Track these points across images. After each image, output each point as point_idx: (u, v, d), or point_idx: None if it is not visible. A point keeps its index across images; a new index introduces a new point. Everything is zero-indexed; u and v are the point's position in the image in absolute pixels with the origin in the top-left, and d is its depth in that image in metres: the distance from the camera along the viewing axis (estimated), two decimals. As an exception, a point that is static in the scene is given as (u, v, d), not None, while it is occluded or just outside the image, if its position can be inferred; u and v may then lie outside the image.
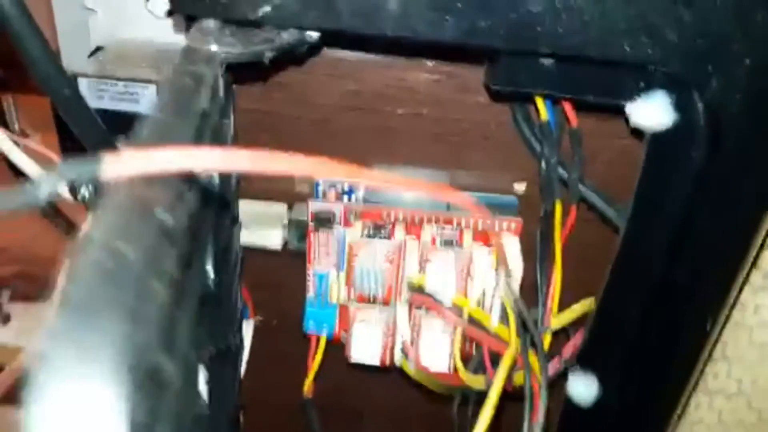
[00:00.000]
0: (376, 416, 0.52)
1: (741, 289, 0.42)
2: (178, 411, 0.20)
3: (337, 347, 0.47)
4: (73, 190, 0.39)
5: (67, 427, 0.12)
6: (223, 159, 0.18)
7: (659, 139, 0.30)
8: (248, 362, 0.47)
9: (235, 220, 0.36)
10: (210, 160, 0.18)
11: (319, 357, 0.44)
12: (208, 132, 0.23)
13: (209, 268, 0.27)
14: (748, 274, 0.42)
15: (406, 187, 0.22)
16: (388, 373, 0.49)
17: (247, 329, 0.46)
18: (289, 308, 0.47)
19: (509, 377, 0.39)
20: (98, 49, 0.39)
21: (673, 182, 0.31)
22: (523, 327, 0.37)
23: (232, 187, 0.35)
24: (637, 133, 0.32)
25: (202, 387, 0.25)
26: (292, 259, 0.44)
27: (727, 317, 0.43)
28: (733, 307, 0.43)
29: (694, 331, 0.35)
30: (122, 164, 0.16)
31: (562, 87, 0.30)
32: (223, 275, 0.32)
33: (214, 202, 0.27)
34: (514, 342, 0.34)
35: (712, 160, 0.30)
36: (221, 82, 0.28)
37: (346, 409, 0.51)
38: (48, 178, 0.16)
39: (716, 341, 0.44)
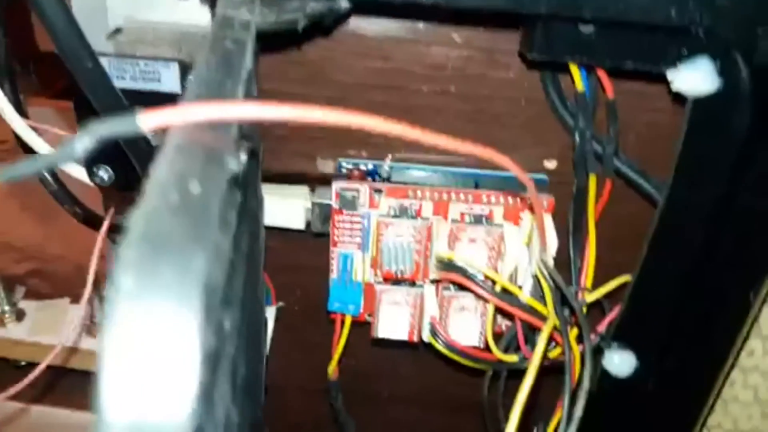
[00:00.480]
0: (402, 398, 0.51)
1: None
2: (232, 369, 0.20)
3: (362, 331, 0.46)
4: (91, 172, 0.39)
5: (141, 354, 0.12)
6: (261, 110, 0.17)
7: (702, 106, 0.29)
8: (272, 346, 0.46)
9: (260, 199, 0.36)
10: (247, 112, 0.17)
11: (344, 338, 0.43)
12: (252, 95, 0.22)
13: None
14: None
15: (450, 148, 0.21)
16: (415, 353, 0.48)
17: (270, 315, 0.46)
18: (312, 291, 0.46)
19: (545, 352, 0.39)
20: (116, 30, 0.38)
21: (716, 152, 0.30)
22: (561, 301, 0.36)
23: (256, 165, 0.34)
24: (676, 102, 0.31)
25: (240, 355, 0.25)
26: (315, 242, 0.44)
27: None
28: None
29: (736, 304, 0.34)
30: (158, 118, 0.15)
31: (601, 54, 0.29)
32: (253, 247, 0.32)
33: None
34: (552, 315, 0.33)
35: (758, 129, 0.29)
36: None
37: (371, 392, 0.51)
38: (83, 135, 0.15)
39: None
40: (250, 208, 0.29)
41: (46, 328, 0.80)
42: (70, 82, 0.28)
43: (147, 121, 0.14)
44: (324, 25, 0.29)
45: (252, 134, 0.31)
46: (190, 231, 0.13)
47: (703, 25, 0.26)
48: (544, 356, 0.38)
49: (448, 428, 0.52)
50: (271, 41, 0.36)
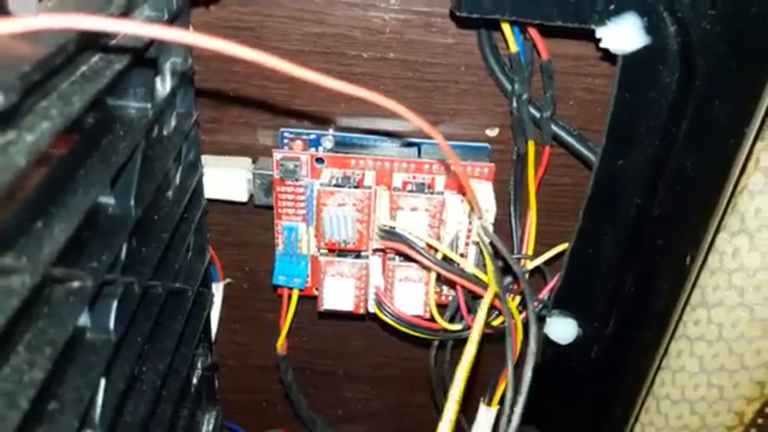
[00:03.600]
0: (353, 374, 0.51)
1: (717, 234, 0.42)
2: (48, 328, 0.19)
3: (311, 308, 0.46)
4: None
5: None
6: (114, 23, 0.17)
7: (631, 63, 0.29)
8: (222, 324, 0.46)
9: (193, 164, 0.35)
10: (96, 23, 0.17)
11: (291, 312, 0.43)
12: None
13: (130, 196, 0.25)
14: (722, 219, 0.41)
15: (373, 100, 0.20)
16: (364, 329, 0.48)
17: (217, 292, 0.45)
18: (260, 268, 0.46)
19: (488, 321, 0.39)
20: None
21: (646, 110, 0.30)
22: (502, 270, 0.36)
23: (184, 126, 0.33)
24: (612, 66, 0.31)
25: (108, 318, 0.24)
26: (261, 217, 0.43)
27: (705, 263, 0.43)
28: (709, 252, 0.42)
29: (674, 267, 0.34)
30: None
31: (529, 11, 0.29)
32: (160, 210, 0.31)
33: (138, 129, 0.26)
34: (492, 282, 0.33)
35: (686, 85, 0.29)
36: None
37: (323, 369, 0.51)
38: None
39: (695, 287, 0.44)
40: (153, 161, 0.28)
41: None
42: None
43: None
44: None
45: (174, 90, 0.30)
46: None
47: (627, -21, 0.26)
48: (488, 324, 0.38)
49: (399, 403, 0.51)
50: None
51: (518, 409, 0.30)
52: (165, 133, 0.32)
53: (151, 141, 0.30)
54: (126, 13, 0.24)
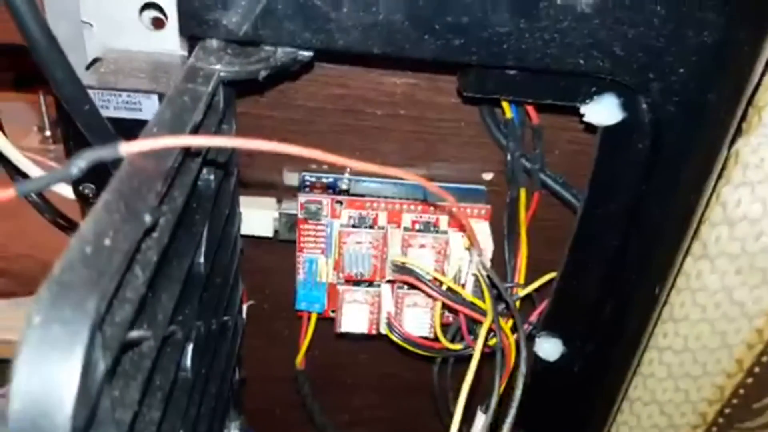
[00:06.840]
0: (363, 384, 0.56)
1: (684, 259, 0.48)
2: (158, 376, 0.24)
3: (325, 324, 0.51)
4: (77, 186, 0.42)
5: (38, 372, 0.15)
6: (211, 140, 0.23)
7: (609, 134, 0.35)
8: (243, 341, 0.51)
9: (234, 213, 0.40)
10: (201, 142, 0.22)
11: (310, 332, 0.48)
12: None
13: (201, 255, 0.31)
14: (689, 246, 0.48)
15: (385, 174, 0.26)
16: (374, 344, 0.53)
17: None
18: (280, 290, 0.51)
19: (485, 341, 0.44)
20: (95, 60, 0.42)
21: (622, 170, 0.36)
22: (497, 297, 0.42)
23: (231, 186, 0.38)
24: (590, 128, 0.37)
25: (187, 358, 0.29)
26: (282, 246, 0.48)
27: (673, 284, 0.49)
28: (677, 274, 0.48)
29: (644, 297, 0.40)
30: (133, 146, 0.20)
31: (525, 92, 0.34)
32: (217, 261, 0.36)
33: (207, 200, 0.31)
34: (490, 311, 0.39)
35: (656, 151, 0.35)
36: (221, 95, 0.32)
37: (335, 380, 0.56)
38: (76, 159, 0.19)
39: (664, 304, 0.50)
40: (214, 222, 0.34)
41: (11, 328, 0.82)
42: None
43: (126, 148, 0.19)
44: (288, 72, 0.34)
45: (226, 162, 0.36)
46: (93, 278, 0.16)
47: (606, 71, 0.32)
48: (486, 345, 0.44)
49: (404, 410, 0.57)
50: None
51: (511, 414, 0.36)
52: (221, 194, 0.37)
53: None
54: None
